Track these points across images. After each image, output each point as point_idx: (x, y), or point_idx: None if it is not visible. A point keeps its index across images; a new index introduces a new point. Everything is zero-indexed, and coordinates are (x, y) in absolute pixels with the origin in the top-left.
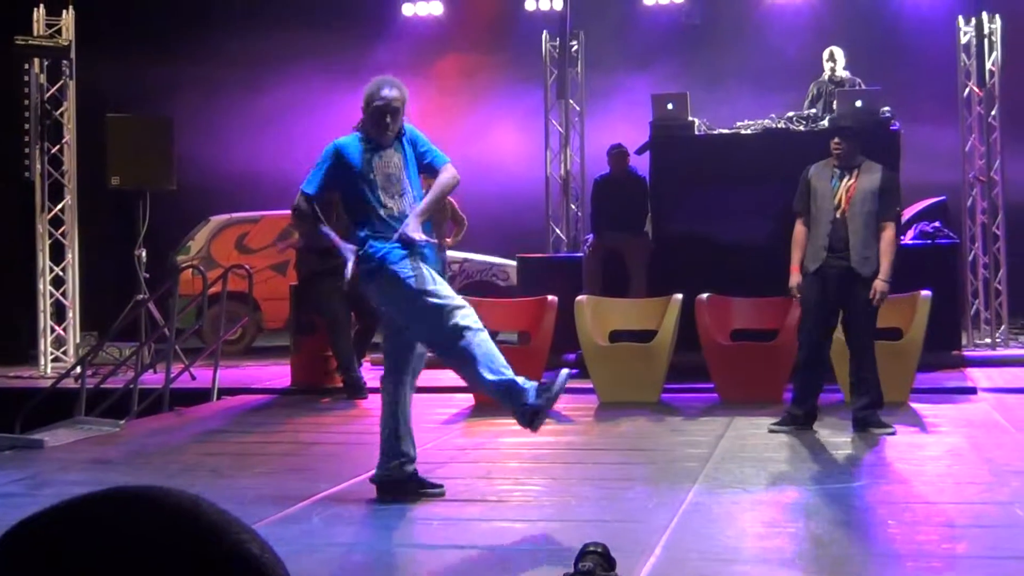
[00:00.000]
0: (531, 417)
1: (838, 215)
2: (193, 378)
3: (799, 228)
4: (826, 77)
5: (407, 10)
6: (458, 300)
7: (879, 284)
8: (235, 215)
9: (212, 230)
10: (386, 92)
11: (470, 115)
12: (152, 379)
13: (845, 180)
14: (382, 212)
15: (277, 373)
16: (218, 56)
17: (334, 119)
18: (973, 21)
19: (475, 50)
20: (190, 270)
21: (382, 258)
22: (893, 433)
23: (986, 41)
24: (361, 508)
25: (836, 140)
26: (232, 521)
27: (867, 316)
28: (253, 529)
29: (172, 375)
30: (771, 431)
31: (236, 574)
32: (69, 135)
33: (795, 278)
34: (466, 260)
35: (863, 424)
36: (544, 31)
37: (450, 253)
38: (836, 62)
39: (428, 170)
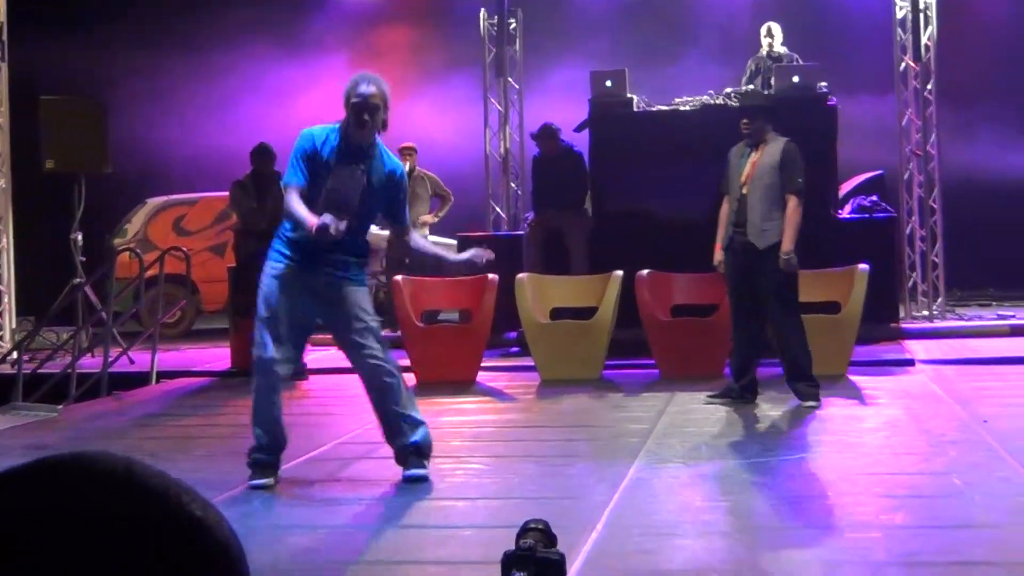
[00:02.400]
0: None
1: (744, 191)
2: (131, 362)
3: (723, 206)
4: (764, 53)
5: None
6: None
7: (781, 258)
8: (172, 197)
9: (149, 212)
10: (363, 88)
11: (409, 94)
12: (90, 363)
13: (751, 156)
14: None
15: (216, 355)
16: (153, 36)
17: (270, 98)
18: None
19: (413, 28)
20: (127, 253)
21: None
22: (817, 406)
23: (922, 15)
24: (302, 489)
25: (744, 120)
26: (171, 483)
27: (773, 289)
28: (193, 489)
29: (110, 359)
30: (707, 402)
31: (178, 536)
32: (2, 118)
33: (717, 255)
34: None
35: (796, 394)
36: (482, 9)
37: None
38: (774, 37)
39: (393, 219)
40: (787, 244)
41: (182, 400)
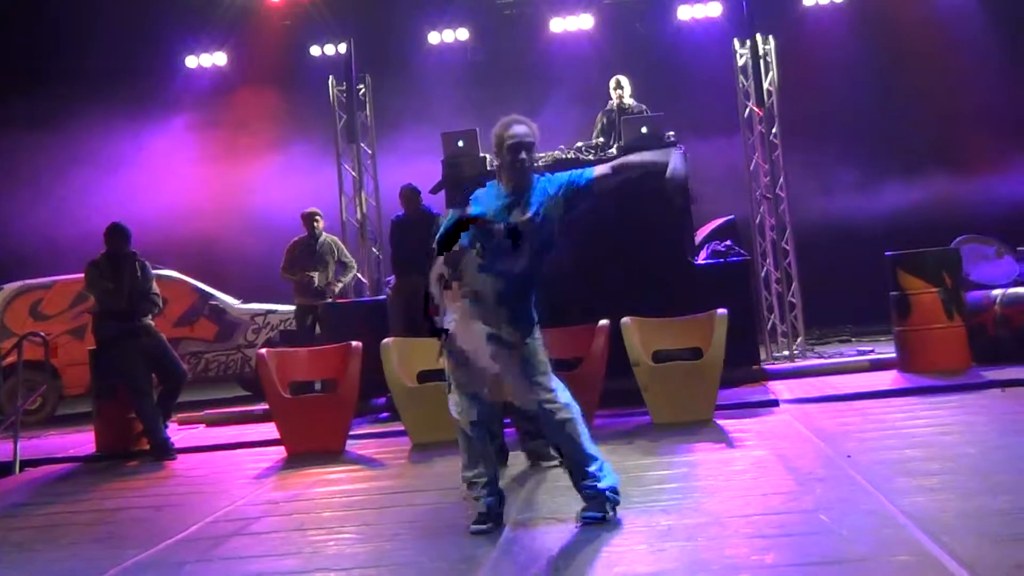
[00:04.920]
0: None
1: None
2: None
3: None
4: (614, 105)
5: (190, 62)
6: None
7: None
8: (28, 282)
9: (4, 299)
10: (516, 128)
11: (262, 164)
12: None
13: None
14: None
15: (81, 440)
16: None
17: (122, 175)
18: (748, 43)
19: (262, 98)
20: None
21: None
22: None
23: (762, 62)
24: (171, 571)
25: None
26: None
27: None
28: None
29: None
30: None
31: None
32: None
33: None
34: (270, 311)
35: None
36: (330, 76)
37: (255, 305)
38: (624, 89)
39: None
40: None
41: (47, 488)
